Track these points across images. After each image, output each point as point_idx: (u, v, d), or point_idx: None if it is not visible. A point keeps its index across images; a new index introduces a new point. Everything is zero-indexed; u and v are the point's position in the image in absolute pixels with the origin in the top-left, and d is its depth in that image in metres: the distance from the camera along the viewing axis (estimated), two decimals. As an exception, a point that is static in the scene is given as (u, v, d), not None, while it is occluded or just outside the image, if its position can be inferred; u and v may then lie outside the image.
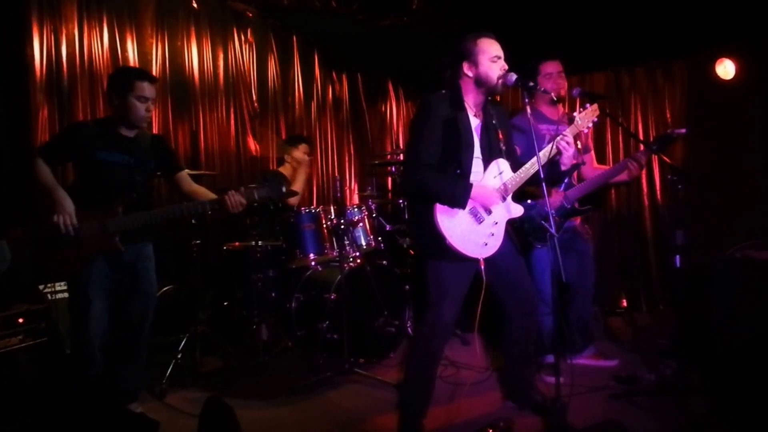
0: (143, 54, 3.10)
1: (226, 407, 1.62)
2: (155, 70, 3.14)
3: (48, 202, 1.84)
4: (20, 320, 1.99)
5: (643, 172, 3.30)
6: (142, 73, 2.00)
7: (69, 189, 1.91)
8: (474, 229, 1.78)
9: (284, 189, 2.02)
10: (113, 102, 1.97)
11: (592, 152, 2.59)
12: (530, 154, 1.85)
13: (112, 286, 1.97)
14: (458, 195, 1.73)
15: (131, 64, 3.05)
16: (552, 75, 2.35)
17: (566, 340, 2.35)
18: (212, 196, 2.06)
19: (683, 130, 2.24)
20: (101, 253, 1.90)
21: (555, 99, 2.29)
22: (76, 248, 1.86)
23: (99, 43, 2.92)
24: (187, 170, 2.73)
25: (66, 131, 2.09)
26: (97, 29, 2.91)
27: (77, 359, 1.91)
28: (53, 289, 2.32)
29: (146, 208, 1.98)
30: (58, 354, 2.08)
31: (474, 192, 1.74)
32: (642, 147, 2.44)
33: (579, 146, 2.44)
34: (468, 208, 1.77)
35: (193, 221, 2.82)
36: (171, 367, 2.40)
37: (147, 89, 1.95)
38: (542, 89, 1.95)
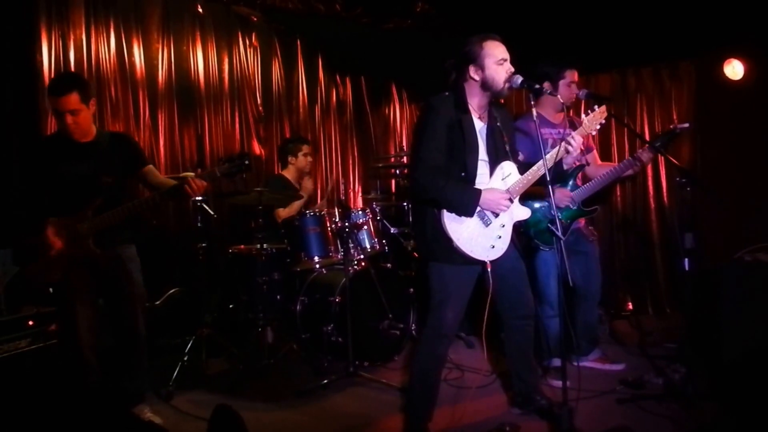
0: (149, 59, 3.13)
1: (235, 415, 1.61)
2: (161, 75, 3.17)
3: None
4: (29, 323, 2.00)
5: (650, 173, 3.28)
6: (51, 86, 1.94)
7: (43, 201, 1.94)
8: (481, 232, 1.78)
9: (247, 162, 1.94)
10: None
11: (595, 151, 2.58)
12: (534, 156, 1.85)
13: (98, 292, 1.99)
14: (466, 204, 1.72)
15: (138, 68, 3.08)
16: (573, 84, 2.33)
17: (572, 343, 2.33)
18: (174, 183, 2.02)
19: (686, 125, 2.22)
20: (77, 258, 1.91)
21: (564, 106, 2.29)
22: (51, 257, 1.89)
23: (106, 47, 2.95)
24: (192, 173, 2.75)
25: (30, 154, 2.07)
26: (104, 34, 2.94)
27: (71, 369, 1.93)
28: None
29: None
30: (65, 357, 2.10)
31: (483, 199, 1.73)
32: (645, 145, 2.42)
33: (581, 147, 2.43)
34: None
35: (198, 224, 2.83)
36: (177, 369, 2.41)
37: (56, 103, 1.89)
38: (549, 91, 1.94)
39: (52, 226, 1.91)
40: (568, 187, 2.29)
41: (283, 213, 3.01)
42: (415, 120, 4.51)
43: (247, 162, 1.96)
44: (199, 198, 2.56)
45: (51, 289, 2.03)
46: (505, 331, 1.95)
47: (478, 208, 1.76)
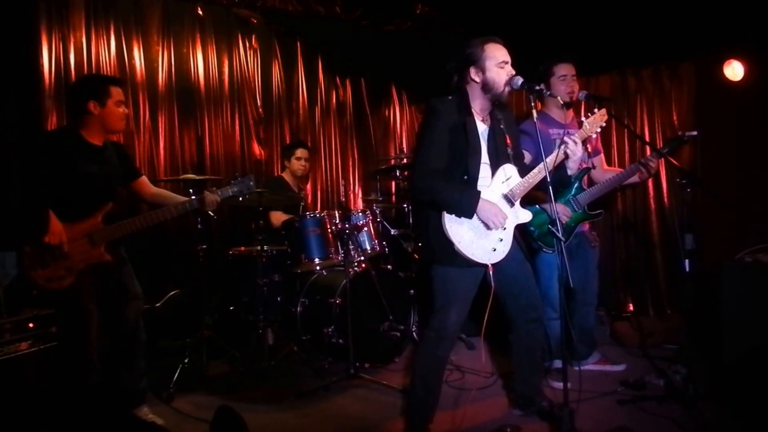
0: (149, 61, 3.14)
1: (237, 417, 1.61)
2: (161, 77, 3.17)
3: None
4: (30, 325, 2.00)
5: (650, 174, 3.27)
6: (114, 78, 2.07)
7: (52, 202, 1.88)
8: (483, 235, 1.78)
9: (251, 183, 2.11)
10: (88, 111, 1.91)
11: (602, 155, 2.57)
12: (540, 159, 1.84)
13: (103, 295, 2.00)
14: (465, 205, 1.72)
15: (138, 70, 3.09)
16: (566, 77, 2.30)
17: (572, 346, 2.33)
18: (178, 197, 2.10)
19: (695, 132, 2.21)
20: (88, 265, 1.91)
21: (563, 103, 2.27)
22: (64, 263, 1.87)
23: (106, 50, 2.96)
24: (193, 175, 2.76)
25: (44, 145, 1.95)
26: (105, 37, 2.95)
27: (77, 370, 1.93)
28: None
29: (120, 216, 2.00)
30: (67, 359, 2.10)
31: (480, 206, 1.73)
32: (650, 151, 2.42)
33: (589, 150, 2.42)
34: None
35: (199, 226, 2.84)
36: (178, 371, 2.41)
37: (121, 93, 1.96)
38: (548, 92, 1.94)
39: (65, 232, 1.85)
40: (573, 191, 2.28)
41: (275, 218, 3.03)
42: (415, 122, 4.52)
43: (252, 184, 2.13)
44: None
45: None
46: (514, 333, 1.94)
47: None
